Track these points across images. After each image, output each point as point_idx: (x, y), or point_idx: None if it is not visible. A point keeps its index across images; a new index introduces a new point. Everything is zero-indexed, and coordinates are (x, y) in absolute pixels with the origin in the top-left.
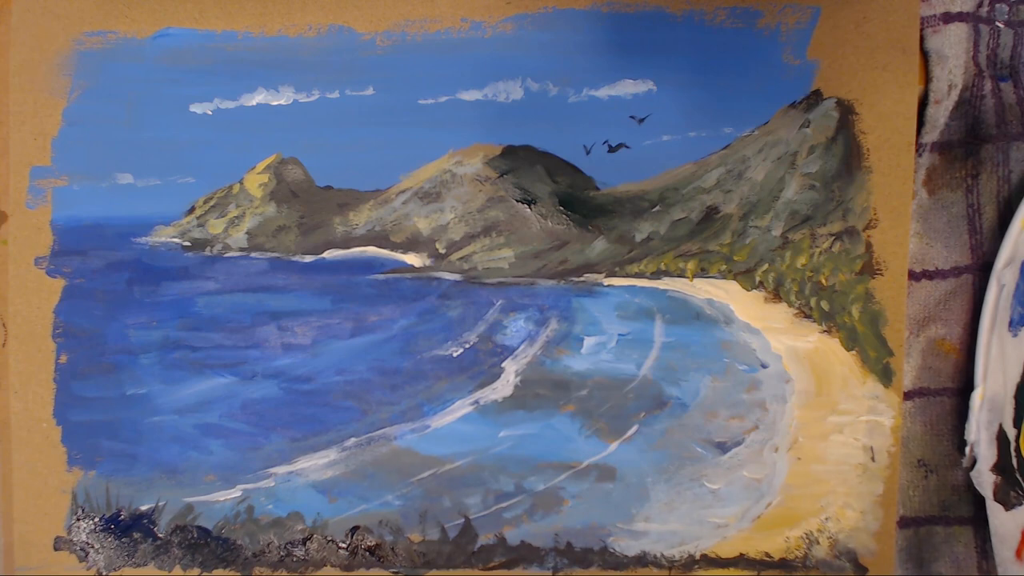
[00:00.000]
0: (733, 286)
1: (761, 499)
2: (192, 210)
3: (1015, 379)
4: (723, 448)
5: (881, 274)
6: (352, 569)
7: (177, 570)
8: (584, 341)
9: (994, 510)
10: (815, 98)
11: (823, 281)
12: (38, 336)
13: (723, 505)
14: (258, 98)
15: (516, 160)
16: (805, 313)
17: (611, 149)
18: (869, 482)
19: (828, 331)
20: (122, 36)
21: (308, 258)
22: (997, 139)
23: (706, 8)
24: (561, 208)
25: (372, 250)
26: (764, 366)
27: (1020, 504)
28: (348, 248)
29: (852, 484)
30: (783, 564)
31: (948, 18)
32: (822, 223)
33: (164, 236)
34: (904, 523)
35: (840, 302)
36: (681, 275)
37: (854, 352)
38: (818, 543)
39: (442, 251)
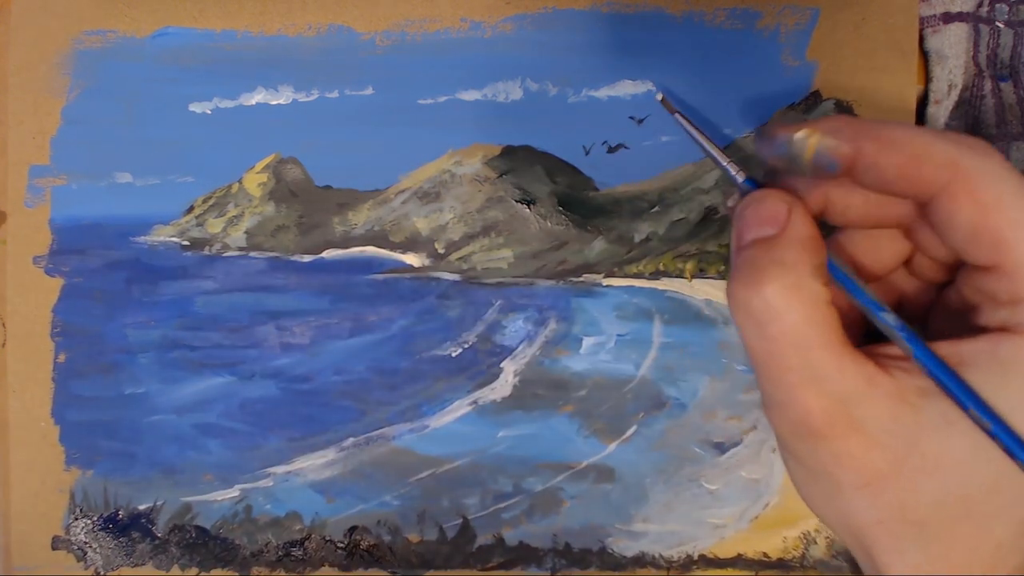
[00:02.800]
0: None
1: (759, 499)
2: (191, 209)
3: None
4: (721, 448)
5: None
6: (350, 569)
7: (175, 570)
8: (583, 341)
9: None
10: (814, 99)
11: None
12: (37, 335)
13: (721, 505)
14: (257, 98)
15: (515, 160)
16: None
17: (610, 149)
18: None
19: None
20: (122, 35)
21: (307, 258)
22: (997, 139)
23: (706, 9)
24: (560, 208)
25: (371, 250)
26: None
27: None
28: (347, 248)
29: None
30: (781, 564)
31: (948, 18)
32: None
33: (163, 235)
34: None
35: None
36: (680, 276)
37: None
38: (815, 543)
39: (441, 251)
